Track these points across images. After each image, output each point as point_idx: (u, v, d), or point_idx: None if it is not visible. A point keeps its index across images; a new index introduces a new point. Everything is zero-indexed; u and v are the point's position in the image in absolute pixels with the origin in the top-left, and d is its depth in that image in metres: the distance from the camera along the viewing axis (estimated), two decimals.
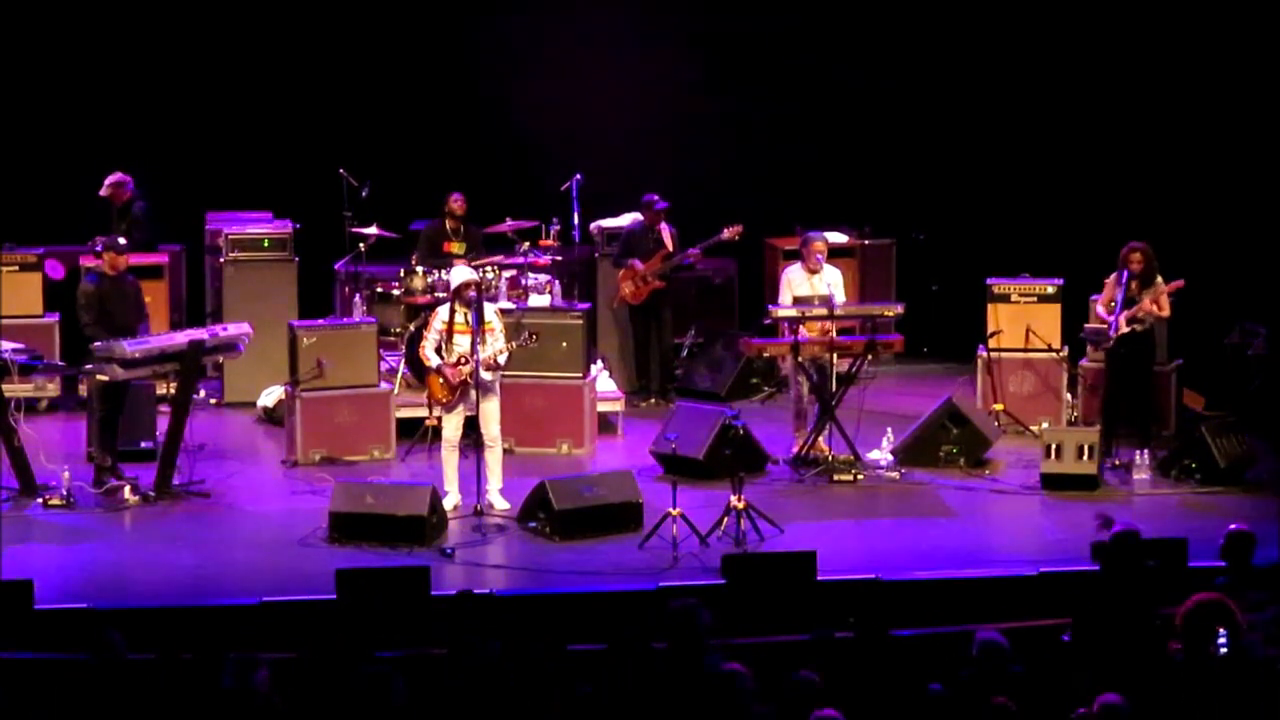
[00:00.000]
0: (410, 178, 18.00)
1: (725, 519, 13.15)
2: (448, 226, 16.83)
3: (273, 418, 16.14)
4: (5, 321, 15.34)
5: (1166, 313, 15.11)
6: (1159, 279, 15.00)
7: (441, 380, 13.84)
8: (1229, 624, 9.07)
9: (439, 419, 14.31)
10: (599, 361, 16.65)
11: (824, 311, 14.95)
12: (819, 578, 12.02)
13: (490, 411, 13.80)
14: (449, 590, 11.90)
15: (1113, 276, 15.06)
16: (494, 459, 13.86)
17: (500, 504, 13.82)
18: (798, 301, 15.06)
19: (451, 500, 13.89)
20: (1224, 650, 9.09)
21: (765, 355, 16.30)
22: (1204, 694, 9.00)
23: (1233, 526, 11.03)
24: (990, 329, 16.30)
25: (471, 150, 18.74)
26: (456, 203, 16.79)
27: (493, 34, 18.94)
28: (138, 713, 9.14)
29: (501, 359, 13.84)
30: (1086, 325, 15.79)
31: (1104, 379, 15.32)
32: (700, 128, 19.13)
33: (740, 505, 13.13)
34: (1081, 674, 9.82)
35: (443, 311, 13.95)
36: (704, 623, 9.49)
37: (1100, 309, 15.19)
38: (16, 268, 16.82)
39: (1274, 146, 17.36)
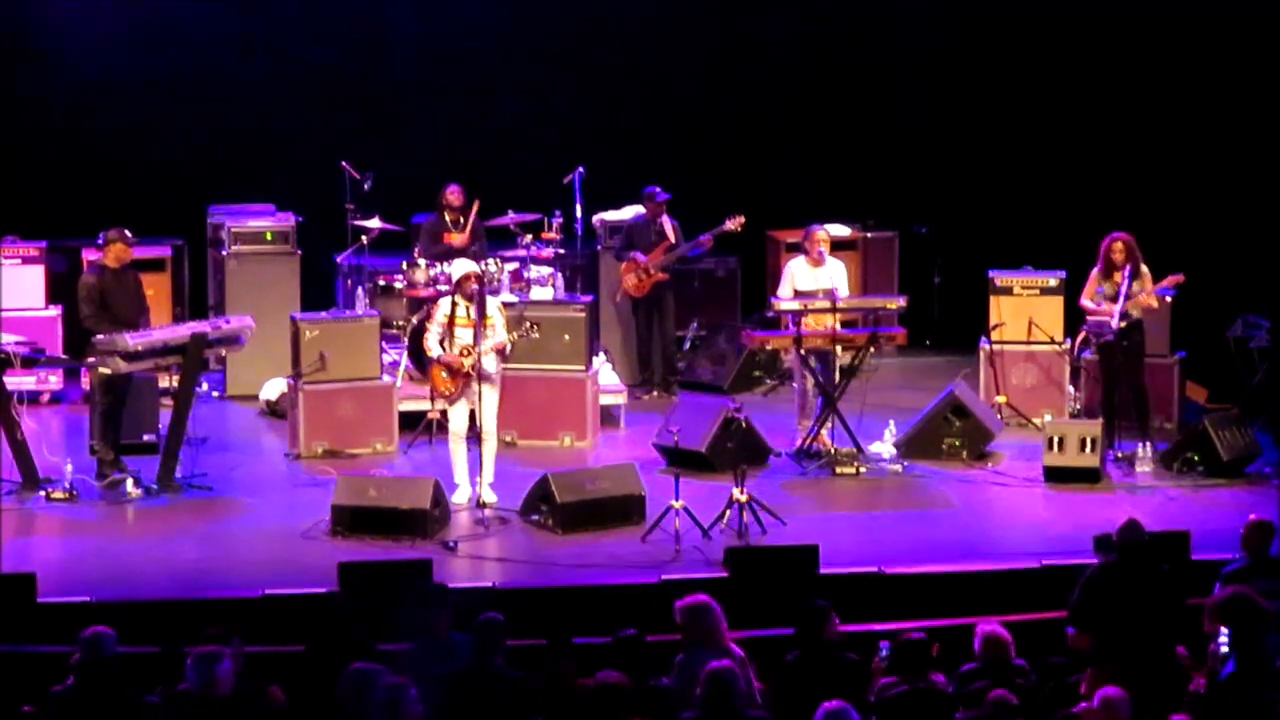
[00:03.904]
0: (412, 170, 17.99)
1: (728, 512, 13.14)
2: (447, 218, 16.82)
3: (275, 411, 16.14)
4: (7, 314, 15.34)
5: (1155, 304, 15.13)
6: (1144, 269, 15.01)
7: (445, 373, 13.83)
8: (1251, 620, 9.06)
9: (442, 412, 14.32)
10: (601, 354, 16.65)
11: (827, 304, 14.95)
12: (821, 571, 12.03)
13: (489, 404, 13.76)
14: (451, 584, 11.95)
15: (1095, 270, 15.05)
16: (488, 452, 13.80)
17: (489, 497, 13.72)
18: (800, 294, 15.06)
19: (464, 493, 13.88)
20: (1224, 649, 9.08)
21: (768, 348, 16.29)
22: (1212, 693, 9.01)
23: (1253, 516, 11.05)
24: (993, 322, 16.31)
25: (473, 142, 18.72)
26: (453, 194, 16.75)
27: (499, 26, 18.94)
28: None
29: (507, 349, 13.85)
30: (1089, 319, 15.80)
31: (1101, 372, 15.32)
32: (702, 120, 19.12)
33: (743, 498, 13.13)
34: (1084, 667, 9.83)
35: (444, 304, 13.93)
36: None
37: (1085, 300, 15.14)
38: (19, 261, 16.83)
39: (1276, 139, 17.34)
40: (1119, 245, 14.94)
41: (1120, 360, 15.05)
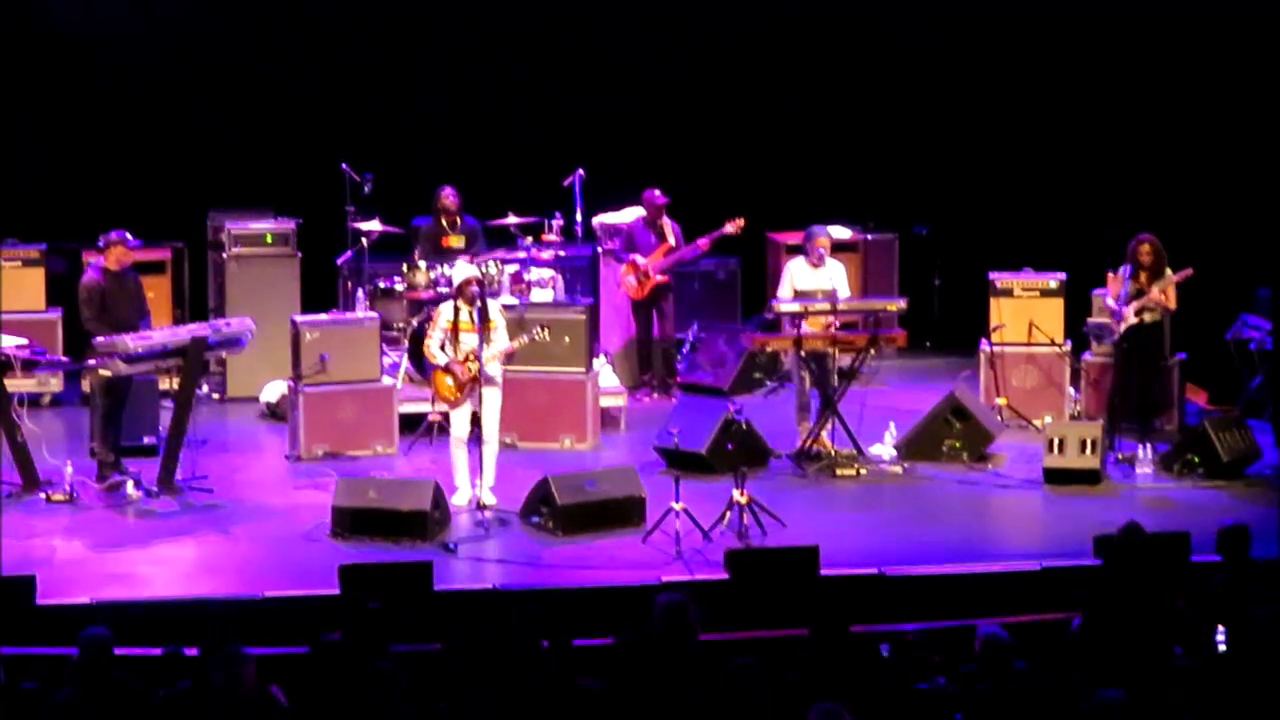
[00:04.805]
0: (412, 172, 17.99)
1: (728, 513, 13.14)
2: (444, 221, 16.81)
3: (275, 413, 16.14)
4: (7, 317, 15.34)
5: (1173, 305, 15.13)
6: (1168, 270, 15.01)
7: (450, 379, 13.81)
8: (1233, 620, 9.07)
9: (442, 414, 14.31)
10: (601, 356, 16.65)
11: (827, 306, 14.95)
12: (822, 572, 12.02)
13: (491, 407, 13.76)
14: (452, 585, 11.96)
15: (1118, 271, 15.05)
16: (489, 455, 13.79)
17: (489, 500, 13.72)
18: (800, 296, 15.06)
19: (464, 495, 13.87)
20: (1223, 647, 9.09)
21: (768, 350, 16.29)
22: (1207, 690, 9.01)
23: (1227, 521, 11.05)
24: (993, 323, 16.31)
25: (473, 144, 18.72)
26: (447, 196, 16.76)
27: (499, 28, 18.95)
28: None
29: (514, 354, 13.89)
30: (1089, 319, 15.80)
31: (1112, 371, 15.31)
32: (703, 122, 19.12)
33: (743, 500, 13.13)
34: (1084, 668, 9.82)
35: (446, 310, 13.91)
36: (692, 617, 9.49)
37: (1109, 302, 15.17)
38: (19, 263, 16.84)
39: (1276, 140, 17.34)
40: (1145, 248, 14.95)
41: (1122, 361, 15.05)
